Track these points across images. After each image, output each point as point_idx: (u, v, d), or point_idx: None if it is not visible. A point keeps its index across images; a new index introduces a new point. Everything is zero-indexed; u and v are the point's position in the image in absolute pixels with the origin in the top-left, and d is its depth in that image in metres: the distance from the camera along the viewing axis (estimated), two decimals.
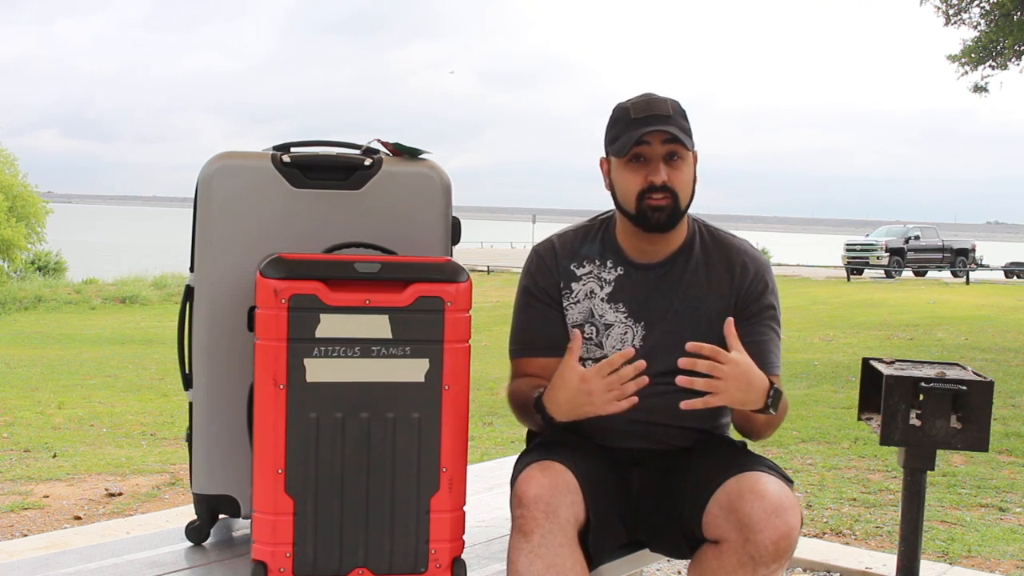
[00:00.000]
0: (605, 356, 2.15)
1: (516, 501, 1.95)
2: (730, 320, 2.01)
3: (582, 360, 2.20)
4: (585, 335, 2.18)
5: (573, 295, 2.20)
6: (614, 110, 2.15)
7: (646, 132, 2.05)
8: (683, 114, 2.11)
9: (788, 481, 1.99)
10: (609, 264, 2.20)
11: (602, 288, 2.19)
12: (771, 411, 1.98)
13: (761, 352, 2.13)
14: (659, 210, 2.09)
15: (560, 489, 1.94)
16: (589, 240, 2.24)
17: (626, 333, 2.17)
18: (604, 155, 2.19)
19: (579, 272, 2.21)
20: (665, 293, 2.17)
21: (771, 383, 1.99)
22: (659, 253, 2.18)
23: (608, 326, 2.18)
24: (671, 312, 2.16)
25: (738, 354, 1.94)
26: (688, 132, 2.10)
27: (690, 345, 1.92)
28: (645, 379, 1.93)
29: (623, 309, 2.18)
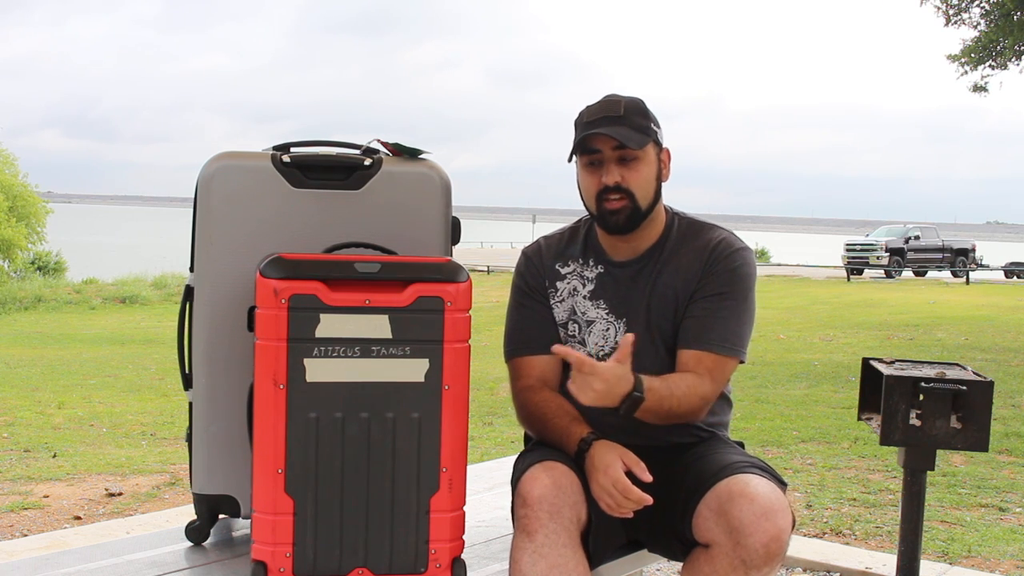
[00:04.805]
0: (588, 353, 2.16)
1: (520, 501, 1.95)
2: (627, 337, 1.96)
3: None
4: (569, 332, 2.21)
5: (558, 293, 2.23)
6: (578, 114, 2.16)
7: (590, 135, 2.08)
8: (641, 112, 2.12)
9: (781, 483, 1.99)
10: (591, 263, 2.23)
11: (584, 286, 2.22)
12: (620, 412, 1.95)
13: (698, 326, 2.12)
14: (615, 213, 2.11)
15: (563, 489, 1.94)
16: (573, 240, 2.27)
17: (608, 329, 2.19)
18: None
19: (563, 271, 2.24)
20: (642, 288, 2.19)
21: (631, 391, 1.93)
22: (635, 250, 2.20)
23: (590, 322, 2.20)
24: (648, 307, 2.17)
25: (610, 367, 1.91)
26: (643, 130, 2.10)
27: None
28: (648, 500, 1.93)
29: (604, 306, 2.20)
